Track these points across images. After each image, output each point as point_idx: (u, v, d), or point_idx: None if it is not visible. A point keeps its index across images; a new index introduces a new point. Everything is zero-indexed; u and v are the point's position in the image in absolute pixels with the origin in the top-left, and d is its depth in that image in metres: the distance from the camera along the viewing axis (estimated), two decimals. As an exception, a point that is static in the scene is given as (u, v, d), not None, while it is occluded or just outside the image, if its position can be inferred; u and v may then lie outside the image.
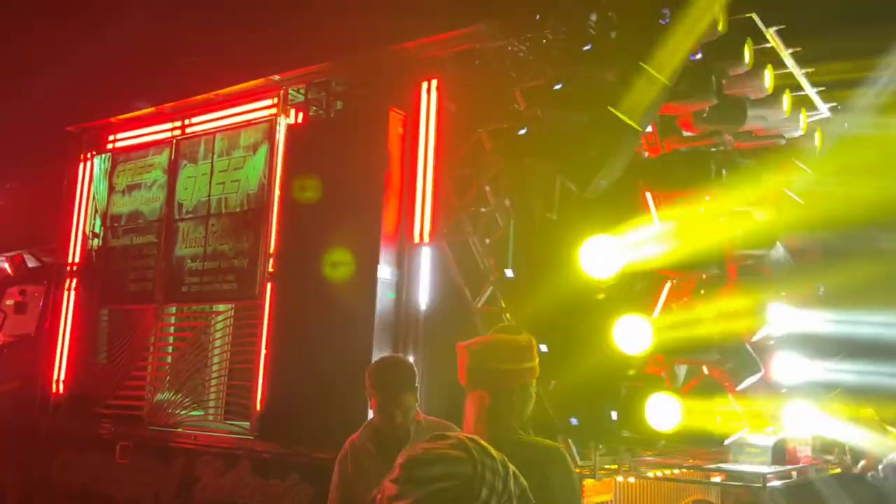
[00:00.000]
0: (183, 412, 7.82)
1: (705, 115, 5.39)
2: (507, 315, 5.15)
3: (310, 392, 6.60)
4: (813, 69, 6.63)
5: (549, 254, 4.63)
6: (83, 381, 8.68)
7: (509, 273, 5.06)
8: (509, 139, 5.24)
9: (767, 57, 6.29)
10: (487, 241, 5.27)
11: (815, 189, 6.59)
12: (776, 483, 5.24)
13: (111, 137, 9.20)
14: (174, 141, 8.48)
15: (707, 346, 4.72)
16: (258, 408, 7.02)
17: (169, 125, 8.64)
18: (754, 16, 5.72)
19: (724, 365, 4.90)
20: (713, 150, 5.48)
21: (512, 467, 1.92)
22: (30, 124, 9.96)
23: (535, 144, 4.80)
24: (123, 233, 8.79)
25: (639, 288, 4.92)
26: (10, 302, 10.53)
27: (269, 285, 7.17)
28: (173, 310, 8.27)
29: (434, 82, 6.59)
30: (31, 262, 10.38)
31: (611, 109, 4.54)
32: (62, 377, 8.85)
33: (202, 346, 7.92)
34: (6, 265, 10.39)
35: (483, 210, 5.41)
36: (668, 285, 5.15)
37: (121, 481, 8.01)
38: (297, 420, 6.69)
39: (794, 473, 5.60)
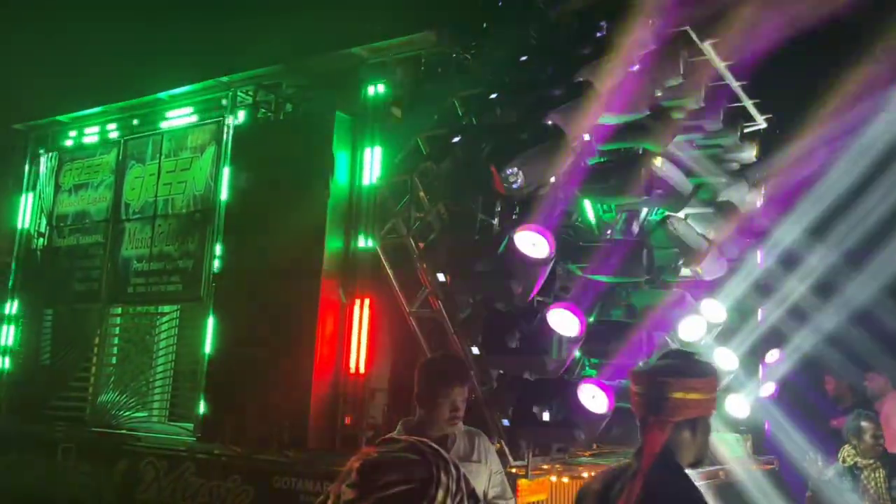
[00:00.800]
0: (127, 413, 7.78)
1: (638, 124, 5.53)
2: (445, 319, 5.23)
3: (252, 394, 6.61)
4: (747, 81, 6.84)
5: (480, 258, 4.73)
6: (26, 382, 8.57)
7: (441, 277, 5.15)
8: (444, 145, 5.34)
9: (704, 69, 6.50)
10: (422, 245, 5.34)
11: None
12: (701, 482, 5.39)
13: (58, 136, 9.10)
14: (122, 141, 8.43)
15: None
16: (201, 409, 7.01)
17: (117, 125, 8.59)
18: (689, 29, 5.89)
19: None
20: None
21: (462, 468, 1.93)
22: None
23: (468, 151, 4.89)
24: (69, 232, 8.71)
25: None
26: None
27: (213, 287, 7.16)
28: (119, 310, 8.23)
29: (380, 87, 6.66)
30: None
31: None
32: (4, 378, 8.72)
33: (147, 347, 7.89)
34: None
35: (419, 215, 5.49)
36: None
37: (63, 483, 7.92)
38: (240, 421, 6.70)
39: (721, 473, 5.76)
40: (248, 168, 7.18)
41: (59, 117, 9.04)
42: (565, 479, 5.79)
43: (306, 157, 6.72)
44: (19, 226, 9.08)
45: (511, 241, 4.75)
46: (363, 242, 6.36)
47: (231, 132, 7.46)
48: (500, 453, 4.73)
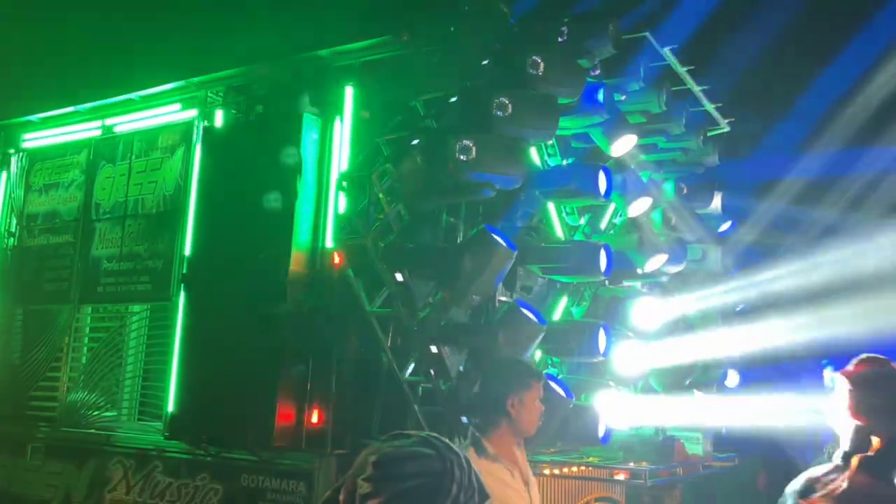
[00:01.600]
0: (97, 412, 7.81)
1: (598, 128, 5.65)
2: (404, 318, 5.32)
3: (220, 393, 6.66)
4: (709, 86, 6.99)
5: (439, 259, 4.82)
6: (-5, 382, 8.57)
7: (399, 277, 5.24)
8: (403, 147, 5.43)
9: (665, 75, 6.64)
10: (381, 245, 5.43)
11: None
12: (660, 480, 5.51)
13: (29, 136, 9.10)
14: (93, 141, 8.45)
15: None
16: (170, 408, 7.05)
17: (88, 125, 8.60)
18: (648, 35, 6.02)
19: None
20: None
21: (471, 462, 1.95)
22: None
23: (426, 154, 4.98)
24: (40, 232, 8.72)
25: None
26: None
27: (182, 287, 7.20)
28: (89, 310, 8.25)
29: (348, 89, 6.74)
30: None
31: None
32: (-26, 377, 8.71)
33: (117, 346, 7.92)
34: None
35: (381, 217, 5.58)
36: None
37: (31, 483, 7.94)
38: (208, 420, 6.74)
39: (679, 471, 5.88)
40: (218, 169, 7.23)
41: (29, 117, 9.04)
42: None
43: (275, 158, 6.76)
44: (-11, 225, 9.07)
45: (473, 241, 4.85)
46: (330, 243, 6.43)
47: (201, 133, 7.50)
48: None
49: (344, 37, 6.84)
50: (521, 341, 5.07)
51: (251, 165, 6.96)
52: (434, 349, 4.98)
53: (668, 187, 7.31)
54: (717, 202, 7.56)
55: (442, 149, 4.71)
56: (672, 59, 6.42)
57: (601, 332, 5.27)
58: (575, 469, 6.23)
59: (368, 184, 5.67)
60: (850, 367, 2.71)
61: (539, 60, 4.87)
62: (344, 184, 5.99)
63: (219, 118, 7.57)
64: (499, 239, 4.76)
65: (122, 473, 7.35)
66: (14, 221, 8.96)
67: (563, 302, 6.20)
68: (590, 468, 6.25)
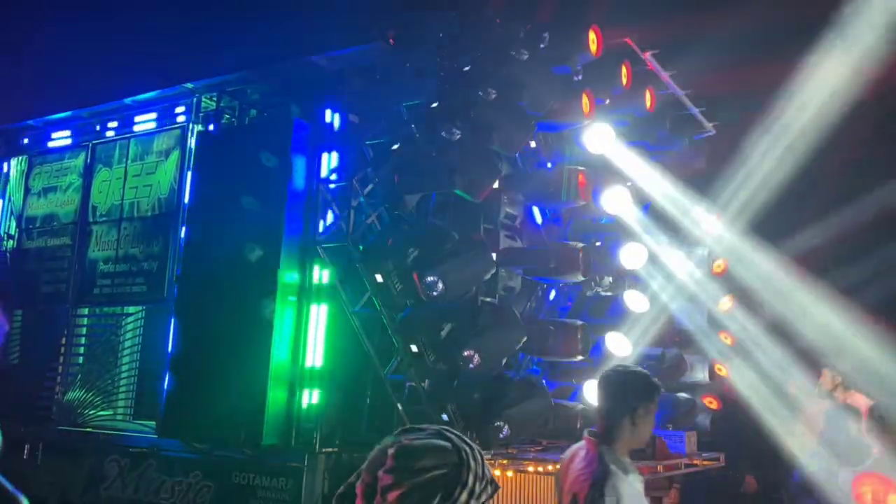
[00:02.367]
0: (93, 412, 7.94)
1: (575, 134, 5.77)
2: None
3: (212, 392, 6.79)
4: (692, 90, 7.09)
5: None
6: (-5, 382, 8.72)
7: (379, 278, 5.35)
8: (385, 152, 5.55)
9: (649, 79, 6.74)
10: (361, 247, 5.56)
11: None
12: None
13: (29, 140, 9.26)
14: (90, 145, 8.60)
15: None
16: (163, 407, 7.18)
17: (85, 129, 8.76)
18: (629, 41, 6.13)
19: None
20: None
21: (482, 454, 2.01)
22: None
23: (404, 158, 5.11)
24: (38, 235, 8.86)
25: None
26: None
27: (176, 288, 7.34)
28: (86, 311, 8.38)
29: (338, 94, 6.87)
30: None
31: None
32: (-26, 378, 8.86)
33: (113, 347, 8.06)
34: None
35: (363, 218, 5.70)
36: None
37: (29, 482, 8.07)
38: (201, 419, 6.87)
39: (660, 468, 5.98)
40: (210, 172, 7.36)
41: (29, 121, 9.20)
42: (510, 473, 6.01)
43: (265, 163, 6.89)
44: (-11, 228, 9.23)
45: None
46: (322, 245, 6.54)
47: (195, 137, 7.65)
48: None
49: (334, 42, 6.96)
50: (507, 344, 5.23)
51: (242, 169, 7.09)
52: (414, 348, 5.10)
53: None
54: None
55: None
56: (655, 65, 6.52)
57: (580, 333, 5.38)
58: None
59: (351, 188, 5.78)
60: None
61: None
62: (330, 186, 6.09)
63: (212, 123, 7.71)
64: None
65: (117, 471, 7.48)
66: (14, 224, 9.10)
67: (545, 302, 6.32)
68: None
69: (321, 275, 6.40)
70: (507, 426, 4.85)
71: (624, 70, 6.13)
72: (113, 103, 8.47)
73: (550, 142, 6.03)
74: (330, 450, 6.35)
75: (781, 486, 7.71)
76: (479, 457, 1.97)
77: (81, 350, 8.32)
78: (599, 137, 5.95)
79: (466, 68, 5.51)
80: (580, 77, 6.15)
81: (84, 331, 8.41)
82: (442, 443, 1.95)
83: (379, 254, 5.30)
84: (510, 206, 5.89)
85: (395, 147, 5.33)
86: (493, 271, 5.17)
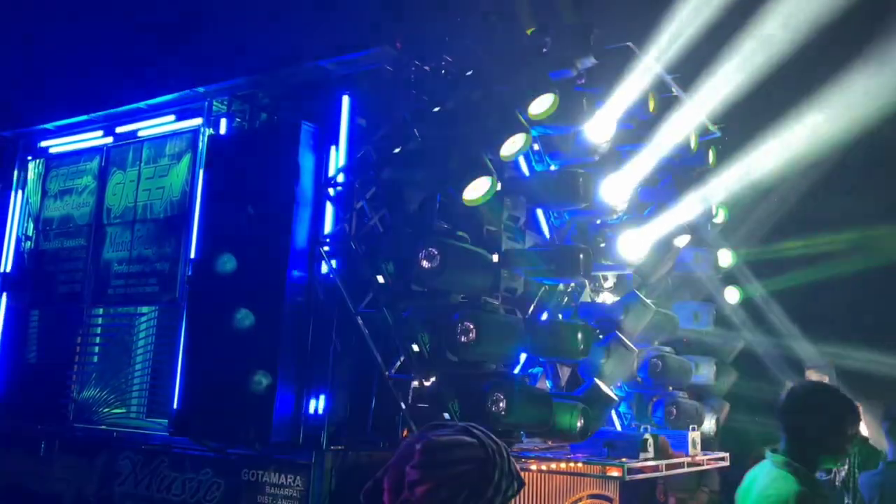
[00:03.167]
0: (107, 410, 8.11)
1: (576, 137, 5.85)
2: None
3: (222, 390, 6.92)
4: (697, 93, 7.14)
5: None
6: (12, 381, 8.90)
7: (381, 279, 5.46)
8: (386, 156, 5.66)
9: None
10: (363, 249, 5.67)
11: None
12: (638, 476, 5.68)
13: (45, 143, 9.45)
14: (105, 148, 8.77)
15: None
16: (175, 405, 7.32)
17: (100, 133, 8.93)
18: (631, 45, 6.20)
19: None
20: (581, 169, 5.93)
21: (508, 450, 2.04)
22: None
23: (407, 161, 5.21)
24: (55, 236, 9.05)
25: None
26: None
27: (187, 289, 7.48)
28: (100, 311, 8.55)
29: (345, 98, 6.98)
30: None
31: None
32: (-6, 377, 9.06)
33: (127, 346, 8.22)
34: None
35: (366, 220, 5.81)
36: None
37: (45, 478, 8.26)
38: (212, 417, 7.00)
39: (662, 467, 6.05)
40: (221, 175, 7.50)
41: (46, 125, 9.38)
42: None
43: (274, 166, 7.03)
44: (8, 230, 9.42)
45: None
46: (328, 247, 6.66)
47: (206, 140, 7.79)
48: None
49: (343, 47, 7.07)
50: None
51: (253, 172, 7.22)
52: (416, 348, 5.20)
53: None
54: None
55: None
56: (657, 68, 6.58)
57: (581, 333, 5.45)
58: (564, 465, 6.38)
59: (353, 190, 5.89)
60: None
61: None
62: (336, 188, 6.21)
63: (223, 126, 7.85)
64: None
65: (130, 468, 7.64)
66: (31, 226, 9.29)
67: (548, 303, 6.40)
68: (582, 465, 6.39)
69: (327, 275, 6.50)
70: (505, 400, 4.92)
71: (626, 74, 6.18)
72: (127, 107, 8.63)
73: (553, 144, 6.10)
74: (337, 447, 6.46)
75: None
76: (504, 453, 2.00)
77: (96, 349, 8.49)
78: (602, 140, 6.02)
79: (469, 73, 5.59)
80: (583, 80, 6.22)
81: (99, 330, 8.57)
82: (469, 439, 1.96)
83: (381, 255, 5.41)
84: (513, 207, 5.97)
85: (397, 150, 5.44)
86: (496, 273, 5.25)
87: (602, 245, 6.83)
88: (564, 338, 5.39)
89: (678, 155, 7.60)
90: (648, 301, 7.06)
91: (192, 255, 7.54)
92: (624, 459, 5.86)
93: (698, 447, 7.08)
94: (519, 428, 5.24)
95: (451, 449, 1.93)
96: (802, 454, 3.17)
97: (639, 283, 6.98)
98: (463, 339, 4.93)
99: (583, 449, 6.26)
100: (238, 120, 8.00)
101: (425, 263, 5.04)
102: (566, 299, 6.50)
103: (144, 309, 8.13)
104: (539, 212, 6.51)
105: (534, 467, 6.19)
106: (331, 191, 6.43)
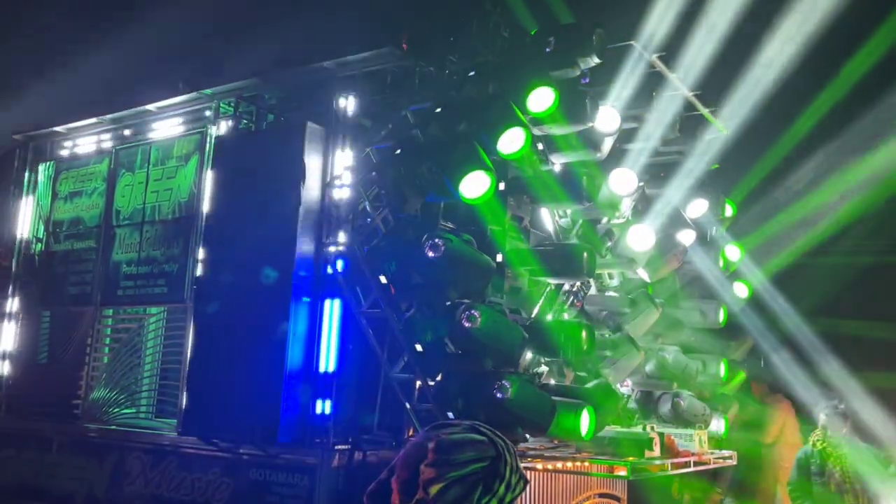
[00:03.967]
0: (117, 410, 8.17)
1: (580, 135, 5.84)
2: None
3: (230, 391, 6.97)
4: (701, 91, 7.12)
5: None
6: (24, 381, 8.99)
7: (383, 280, 5.48)
8: (388, 157, 5.68)
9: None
10: (366, 248, 5.70)
11: None
12: (644, 475, 5.68)
13: (55, 146, 9.54)
14: (114, 150, 8.84)
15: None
16: (184, 405, 7.38)
17: (109, 135, 9.01)
18: (634, 43, 6.19)
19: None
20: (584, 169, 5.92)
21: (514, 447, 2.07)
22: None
23: (408, 161, 5.23)
24: (65, 238, 9.13)
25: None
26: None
27: (195, 289, 7.53)
28: (110, 312, 8.62)
29: (350, 99, 7.01)
30: (-21, 266, 10.66)
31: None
32: (5, 377, 9.15)
33: (136, 347, 8.28)
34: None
35: (368, 221, 5.84)
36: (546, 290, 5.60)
37: (56, 477, 8.35)
38: (219, 417, 7.06)
39: (668, 466, 6.04)
40: (227, 176, 7.54)
41: (56, 128, 9.47)
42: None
43: (280, 166, 7.06)
44: (19, 232, 9.52)
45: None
46: (333, 247, 6.70)
47: (213, 142, 7.84)
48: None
49: (346, 48, 7.10)
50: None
51: (258, 172, 7.26)
52: (419, 348, 5.22)
53: None
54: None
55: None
56: (662, 67, 6.57)
57: (584, 333, 5.45)
58: (570, 465, 6.38)
59: (356, 191, 5.92)
60: None
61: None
62: (338, 189, 6.23)
63: (229, 128, 7.89)
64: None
65: (140, 468, 7.71)
66: (42, 228, 9.38)
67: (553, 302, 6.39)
68: (588, 464, 6.39)
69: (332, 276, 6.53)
70: (510, 387, 4.93)
71: (631, 73, 6.18)
72: (135, 109, 8.70)
73: (556, 142, 6.09)
74: (343, 447, 6.49)
75: None
76: (512, 450, 2.03)
77: (106, 350, 8.56)
78: (606, 139, 6.02)
79: (472, 73, 5.60)
80: (587, 80, 6.22)
81: (108, 331, 8.64)
82: (478, 437, 1.99)
83: (383, 255, 5.44)
84: (517, 207, 5.98)
85: (399, 151, 5.46)
86: (497, 273, 5.26)
87: (608, 244, 6.82)
88: (568, 337, 5.38)
89: (683, 151, 7.59)
90: (655, 299, 7.06)
91: (200, 256, 7.59)
92: (630, 458, 5.86)
93: (705, 446, 7.07)
94: (523, 418, 5.22)
95: (464, 447, 1.95)
96: None
97: (645, 282, 6.95)
98: (466, 325, 4.94)
99: (589, 448, 6.26)
100: (245, 121, 8.04)
101: (430, 253, 5.05)
102: (571, 299, 6.49)
103: (153, 310, 8.19)
104: (544, 211, 6.49)
105: (540, 466, 6.19)
106: (335, 191, 6.46)
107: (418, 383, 5.83)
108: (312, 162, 6.94)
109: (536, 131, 5.62)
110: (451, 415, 5.14)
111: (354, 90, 6.99)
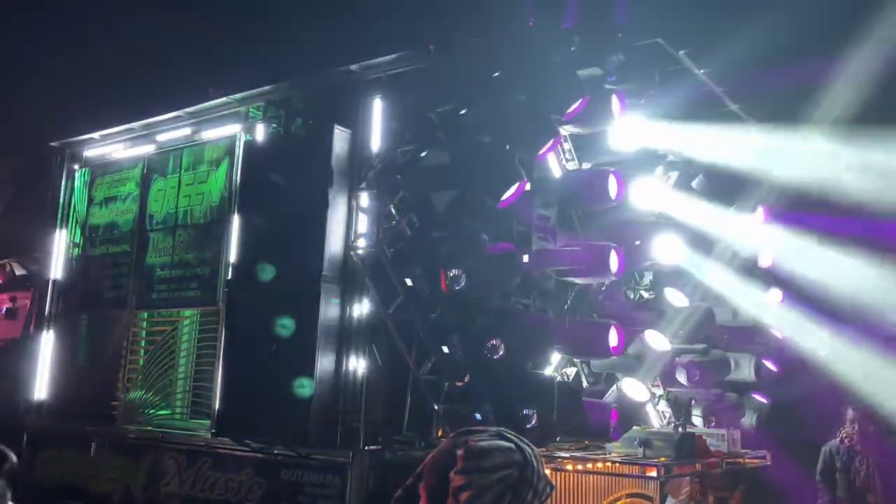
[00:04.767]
0: (153, 411, 8.32)
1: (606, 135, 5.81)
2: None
3: (262, 392, 7.03)
4: (727, 87, 7.03)
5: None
6: (64, 383, 9.19)
7: (409, 282, 5.50)
8: (413, 159, 5.69)
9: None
10: (392, 251, 5.73)
11: None
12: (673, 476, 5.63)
13: (90, 152, 9.73)
14: (147, 156, 8.99)
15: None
16: (217, 406, 7.48)
17: (142, 141, 9.17)
18: (661, 41, 6.13)
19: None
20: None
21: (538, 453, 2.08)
22: (16, 138, 10.51)
23: (434, 164, 5.24)
24: (101, 242, 9.31)
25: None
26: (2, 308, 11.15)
27: (226, 292, 7.63)
28: (145, 315, 8.76)
29: (376, 101, 7.05)
30: (19, 270, 10.93)
31: None
32: (45, 379, 9.35)
33: (170, 349, 8.41)
34: (-3, 273, 10.96)
35: (394, 223, 5.87)
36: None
37: (95, 477, 8.52)
38: (252, 418, 7.12)
39: (698, 466, 5.98)
40: (257, 180, 7.61)
41: (91, 134, 9.65)
42: (546, 471, 6.06)
43: (308, 169, 7.11)
44: (56, 237, 9.72)
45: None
46: (360, 250, 6.74)
47: (243, 146, 7.93)
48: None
49: (373, 50, 7.14)
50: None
51: (288, 176, 7.31)
52: (445, 349, 5.24)
53: None
54: None
55: None
56: (688, 63, 6.50)
57: (613, 332, 5.42)
58: (600, 465, 6.35)
59: (381, 195, 5.95)
60: None
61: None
62: (364, 192, 6.27)
63: (259, 132, 7.98)
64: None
65: (175, 468, 7.83)
66: (78, 233, 9.58)
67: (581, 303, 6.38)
68: (619, 464, 6.35)
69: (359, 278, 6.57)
70: (535, 416, 4.94)
71: (657, 70, 6.13)
72: (167, 115, 8.84)
73: (583, 143, 6.08)
74: (374, 447, 6.54)
75: None
76: (538, 456, 2.04)
77: (141, 352, 8.71)
78: (632, 137, 5.98)
79: (496, 74, 5.60)
80: (613, 78, 6.17)
81: (143, 334, 8.79)
82: (506, 443, 2.00)
83: (408, 258, 5.46)
84: (543, 207, 5.97)
85: (424, 154, 5.48)
86: (521, 276, 5.26)
87: (637, 243, 6.76)
88: (597, 337, 5.36)
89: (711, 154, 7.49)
90: (685, 298, 7.00)
91: (232, 260, 7.68)
92: (662, 459, 5.82)
93: (738, 446, 6.98)
94: (554, 428, 5.22)
95: (493, 454, 1.96)
96: None
97: (675, 281, 6.90)
98: (495, 357, 4.96)
99: (619, 448, 6.22)
100: (274, 125, 8.11)
101: (453, 286, 5.09)
102: (600, 298, 6.47)
103: (187, 312, 8.32)
104: (570, 211, 6.48)
105: (570, 467, 6.17)
106: (361, 195, 6.50)
107: (446, 385, 5.86)
108: (339, 164, 6.99)
109: (563, 131, 5.60)
110: (478, 416, 5.15)
111: (380, 93, 7.03)
